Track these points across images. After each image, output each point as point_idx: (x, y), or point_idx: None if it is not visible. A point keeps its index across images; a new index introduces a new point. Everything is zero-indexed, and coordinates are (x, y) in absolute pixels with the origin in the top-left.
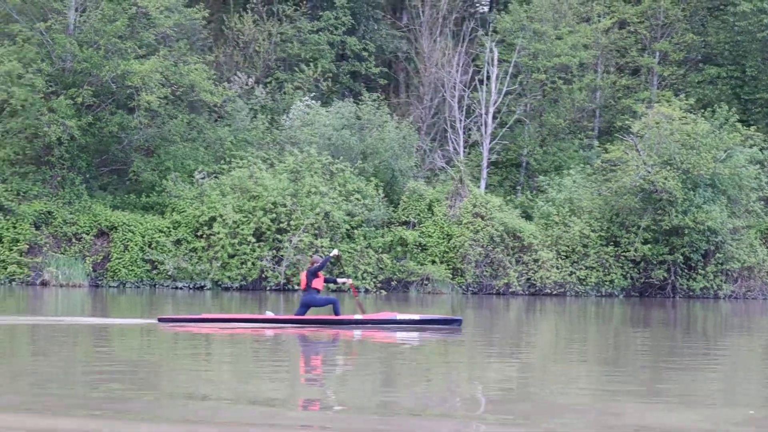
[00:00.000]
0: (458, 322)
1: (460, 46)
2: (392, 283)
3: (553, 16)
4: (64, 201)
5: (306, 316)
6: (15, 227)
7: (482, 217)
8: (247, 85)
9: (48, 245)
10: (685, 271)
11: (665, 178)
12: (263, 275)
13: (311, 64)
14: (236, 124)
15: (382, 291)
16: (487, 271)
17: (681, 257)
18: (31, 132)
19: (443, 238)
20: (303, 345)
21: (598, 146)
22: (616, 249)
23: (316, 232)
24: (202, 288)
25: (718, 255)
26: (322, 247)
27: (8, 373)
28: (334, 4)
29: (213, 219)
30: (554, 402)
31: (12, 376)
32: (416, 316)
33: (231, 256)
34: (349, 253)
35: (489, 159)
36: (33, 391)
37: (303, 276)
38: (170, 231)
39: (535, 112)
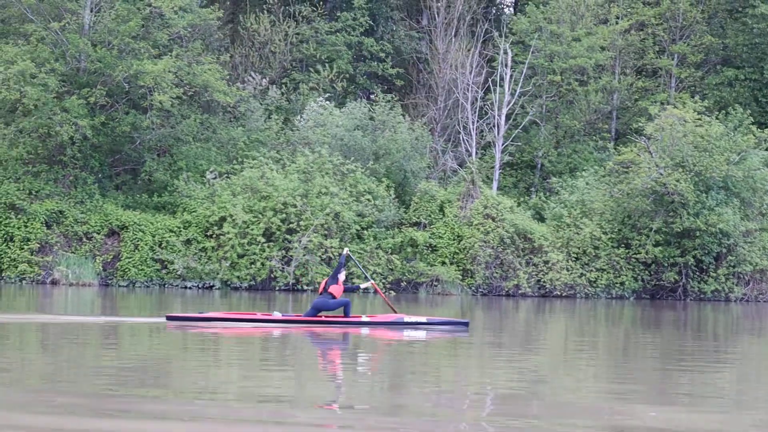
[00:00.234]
0: (465, 324)
1: (473, 47)
2: (402, 284)
3: (570, 18)
4: (76, 200)
5: (313, 317)
6: (26, 226)
7: (493, 219)
8: (260, 85)
9: (59, 244)
10: (697, 273)
11: (677, 180)
12: (272, 275)
13: (326, 65)
14: (250, 125)
15: (392, 292)
16: (496, 273)
17: (692, 260)
18: (43, 131)
19: (453, 240)
20: (311, 343)
21: (614, 148)
22: (627, 251)
23: (326, 232)
24: (211, 288)
25: (730, 258)
26: (331, 247)
27: (17, 371)
28: (353, 5)
29: (223, 219)
30: (563, 403)
31: (21, 374)
32: (423, 319)
33: (240, 256)
34: (359, 253)
35: (502, 160)
36: (41, 390)
37: (323, 283)
38: (180, 231)
39: (550, 114)
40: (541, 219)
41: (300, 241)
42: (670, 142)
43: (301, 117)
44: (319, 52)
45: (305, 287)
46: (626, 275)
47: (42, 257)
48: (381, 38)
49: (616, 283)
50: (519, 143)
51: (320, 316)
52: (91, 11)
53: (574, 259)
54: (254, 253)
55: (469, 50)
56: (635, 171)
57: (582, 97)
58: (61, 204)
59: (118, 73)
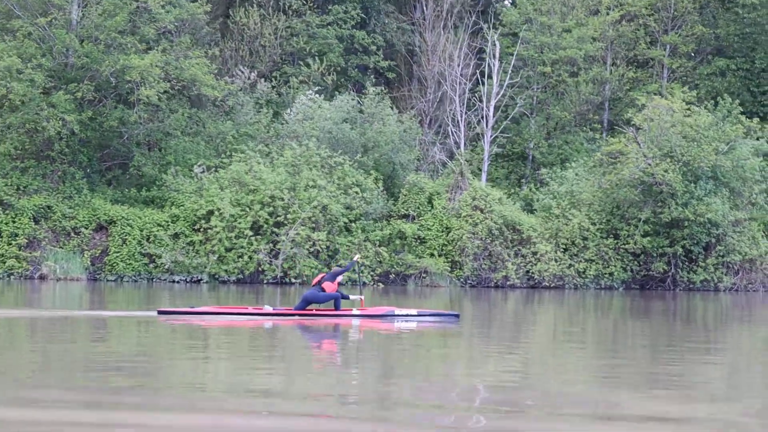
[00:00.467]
0: (456, 316)
1: (461, 39)
2: (390, 276)
3: (561, 9)
4: (64, 195)
5: (304, 311)
6: (14, 221)
7: (481, 210)
8: (249, 79)
9: (47, 239)
10: (686, 263)
11: (665, 171)
12: (260, 268)
13: (316, 58)
14: (239, 119)
15: (380, 284)
16: (485, 264)
17: (681, 250)
18: (30, 127)
19: (442, 231)
20: (301, 336)
21: (606, 139)
22: (615, 241)
23: (314, 225)
24: (198, 281)
25: (719, 247)
26: (318, 240)
27: (6, 365)
28: None
29: (211, 213)
30: (554, 392)
31: (10, 368)
32: (414, 311)
33: (228, 250)
34: (347, 246)
35: (491, 152)
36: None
37: (320, 276)
38: (168, 225)
39: (541, 106)
40: (532, 210)
41: (287, 234)
42: (658, 132)
43: (290, 110)
44: (311, 46)
45: (293, 280)
46: (615, 266)
47: (30, 253)
48: (373, 31)
49: (605, 273)
50: (509, 135)
51: (311, 309)
52: (79, 6)
53: (562, 250)
54: (242, 247)
55: (456, 42)
56: (623, 161)
57: (572, 88)
58: (49, 199)
59: (105, 68)
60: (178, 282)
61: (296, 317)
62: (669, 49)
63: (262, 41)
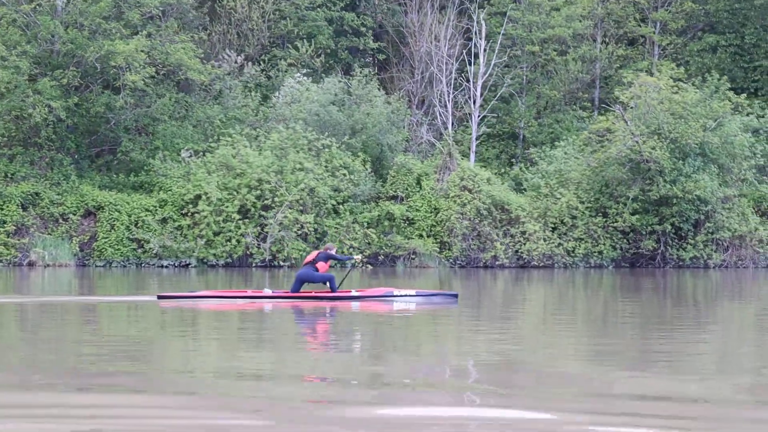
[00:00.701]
0: (455, 296)
1: (447, 18)
2: (379, 257)
3: None
4: (52, 182)
5: (304, 292)
6: (2, 209)
7: (469, 191)
8: (236, 63)
9: (35, 226)
10: (675, 240)
11: (652, 148)
12: (249, 252)
13: (304, 40)
14: (227, 103)
15: (369, 265)
16: (474, 245)
17: (670, 227)
18: (16, 114)
19: (430, 212)
20: (297, 318)
21: (597, 117)
22: (604, 220)
23: (301, 208)
24: (187, 266)
25: (708, 224)
26: (306, 223)
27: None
28: None
29: (198, 197)
30: (545, 371)
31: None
32: (413, 291)
33: (216, 234)
34: (335, 228)
35: (479, 132)
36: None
37: (315, 253)
38: (156, 210)
39: (530, 85)
40: (523, 190)
41: (275, 218)
42: (646, 109)
43: (278, 94)
44: (300, 28)
45: (282, 263)
46: (604, 244)
47: (18, 239)
48: (364, 12)
49: (594, 252)
50: (497, 114)
51: (309, 291)
52: None
53: (551, 229)
54: (230, 231)
55: (442, 21)
56: (611, 139)
57: (561, 67)
58: (36, 186)
59: (90, 54)
60: (166, 267)
61: (296, 300)
62: (659, 26)
63: (250, 25)
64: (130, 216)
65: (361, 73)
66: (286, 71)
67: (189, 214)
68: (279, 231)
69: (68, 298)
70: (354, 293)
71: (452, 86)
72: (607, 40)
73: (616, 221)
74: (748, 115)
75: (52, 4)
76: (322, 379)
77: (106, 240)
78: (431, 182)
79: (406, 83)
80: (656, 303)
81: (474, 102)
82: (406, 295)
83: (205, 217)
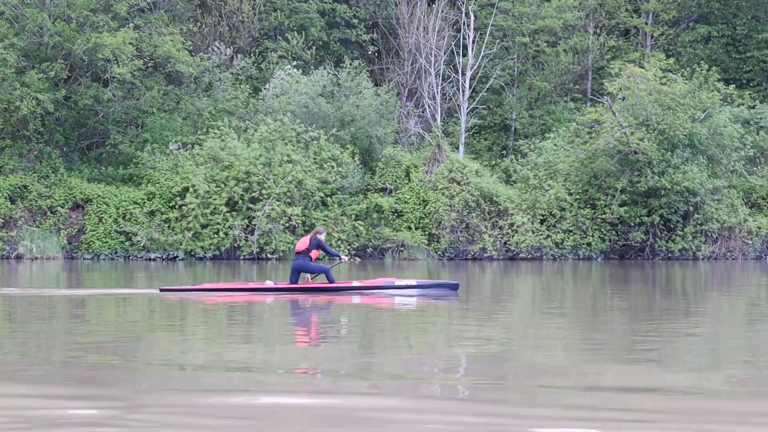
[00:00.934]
0: (455, 286)
1: (436, 10)
2: (368, 250)
3: None
4: (41, 175)
5: (306, 284)
6: None
7: (458, 183)
8: (225, 55)
9: (23, 219)
10: (664, 232)
11: (640, 139)
12: (236, 245)
13: (295, 33)
14: (218, 95)
15: (357, 258)
16: (462, 237)
17: (659, 219)
18: (3, 107)
19: (419, 204)
20: (292, 311)
21: (586, 108)
22: (593, 212)
23: (289, 200)
24: (174, 259)
25: (697, 216)
26: (294, 215)
27: None
28: None
29: (186, 189)
30: (535, 363)
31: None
32: (413, 282)
33: (204, 227)
34: (323, 221)
35: (468, 123)
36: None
37: (306, 239)
38: (145, 202)
39: (521, 76)
40: (513, 182)
41: (263, 210)
42: (633, 101)
43: (269, 86)
44: (292, 20)
45: (269, 256)
46: (593, 236)
47: (6, 232)
48: (357, 3)
49: (583, 244)
50: (486, 106)
51: (311, 283)
52: None
53: (540, 221)
54: (217, 223)
55: (430, 13)
56: (598, 131)
57: (552, 58)
58: (25, 179)
59: (77, 47)
60: (154, 259)
61: (298, 292)
62: (651, 17)
63: (241, 17)
64: (118, 209)
65: (351, 65)
66: (277, 63)
67: (177, 206)
68: (266, 223)
69: (70, 291)
70: (355, 284)
71: (441, 78)
72: (598, 31)
73: (605, 213)
74: (738, 106)
75: None
76: (311, 371)
77: (94, 233)
78: (420, 174)
79: (395, 75)
80: (645, 294)
81: (463, 93)
82: (407, 286)
83: (193, 209)
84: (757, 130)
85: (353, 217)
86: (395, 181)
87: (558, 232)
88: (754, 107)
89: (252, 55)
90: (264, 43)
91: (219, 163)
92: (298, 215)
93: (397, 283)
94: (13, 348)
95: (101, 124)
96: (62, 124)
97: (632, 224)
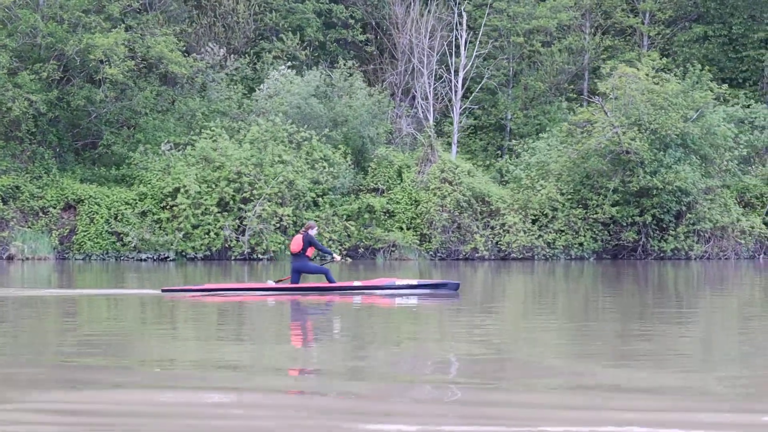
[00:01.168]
0: (456, 286)
1: (428, 10)
2: (359, 250)
3: None
4: (33, 176)
5: (308, 284)
6: None
7: (450, 183)
8: (218, 55)
9: (15, 219)
10: (656, 232)
11: (632, 139)
12: (228, 245)
13: (290, 33)
14: (212, 96)
15: (348, 258)
16: (454, 237)
17: (651, 218)
18: None
19: (411, 205)
20: (292, 312)
21: (578, 108)
22: (585, 212)
23: (280, 201)
24: (165, 259)
25: (689, 215)
26: (285, 215)
27: None
28: None
29: (177, 190)
30: (528, 363)
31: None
32: (414, 281)
33: (195, 227)
34: (315, 221)
35: (460, 123)
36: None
37: (299, 239)
38: (136, 203)
39: (516, 76)
40: (507, 182)
41: (254, 210)
42: (626, 100)
43: (263, 86)
44: (289, 20)
45: (260, 256)
46: (585, 236)
47: None
48: (354, 4)
49: (575, 244)
50: (481, 106)
51: (312, 283)
52: None
53: (531, 221)
54: (208, 224)
55: (422, 14)
56: (589, 131)
57: (547, 58)
58: (17, 179)
59: (69, 48)
60: (145, 260)
61: (299, 291)
62: (648, 16)
63: (236, 17)
64: (109, 209)
65: (345, 65)
66: (271, 64)
67: (168, 207)
68: (257, 224)
69: (72, 291)
70: (356, 283)
71: (434, 78)
72: (594, 31)
73: (597, 213)
74: (733, 105)
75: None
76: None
77: (86, 233)
78: (412, 174)
79: (390, 75)
80: (637, 295)
81: (455, 94)
82: (408, 286)
83: (184, 210)
84: (751, 130)
85: (344, 217)
86: (387, 182)
87: (550, 232)
88: (749, 106)
89: (247, 55)
90: (260, 43)
91: (210, 163)
92: (289, 216)
93: (398, 282)
94: (9, 348)
95: (94, 124)
96: (55, 124)
97: (624, 224)
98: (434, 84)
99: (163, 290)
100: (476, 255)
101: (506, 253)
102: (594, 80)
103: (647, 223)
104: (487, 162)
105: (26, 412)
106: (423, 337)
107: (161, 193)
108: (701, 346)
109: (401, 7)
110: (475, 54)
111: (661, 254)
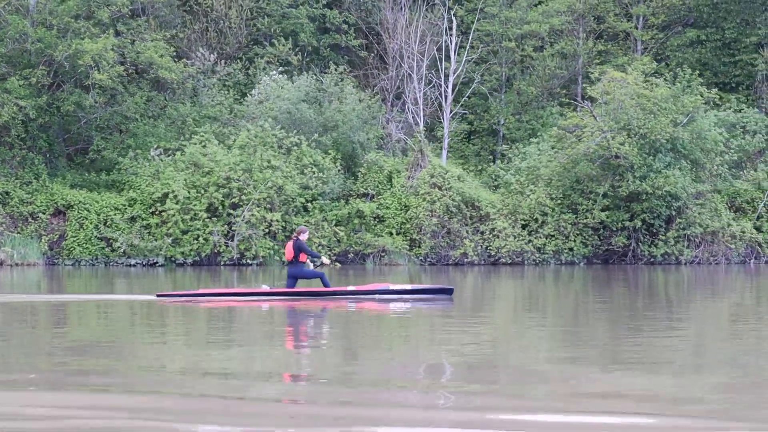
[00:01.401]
0: (450, 291)
1: (418, 15)
2: (349, 255)
3: None
4: (23, 181)
5: (302, 289)
6: None
7: (439, 188)
8: (209, 61)
9: (4, 225)
10: (647, 237)
11: (621, 144)
12: (217, 250)
13: (282, 38)
14: (204, 101)
15: (338, 263)
16: (443, 242)
17: (641, 223)
18: None
19: (401, 210)
20: (287, 318)
21: (569, 113)
22: (575, 216)
23: (269, 206)
24: (154, 264)
25: (679, 220)
26: (274, 221)
27: None
28: None
29: (166, 195)
30: (519, 369)
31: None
32: (408, 286)
33: (184, 232)
34: (304, 226)
35: (453, 129)
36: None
37: (290, 247)
38: (126, 208)
39: (508, 81)
40: (498, 187)
41: (243, 216)
42: (615, 105)
43: (254, 91)
44: (283, 25)
45: (250, 261)
46: (575, 241)
47: None
48: (348, 9)
49: (565, 248)
50: (473, 111)
51: (306, 288)
52: None
53: (521, 226)
54: (198, 229)
55: (411, 18)
56: (578, 135)
57: (539, 63)
58: (6, 185)
59: (59, 53)
60: (134, 265)
61: (294, 296)
62: (641, 21)
63: (228, 23)
64: (99, 215)
65: (336, 70)
66: (264, 69)
67: (157, 212)
68: (246, 229)
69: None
70: (351, 288)
71: (423, 83)
72: (587, 35)
73: (587, 218)
74: (725, 110)
75: (24, 4)
76: (294, 378)
77: (75, 239)
78: (402, 180)
79: (380, 80)
80: (628, 300)
81: (445, 99)
82: (402, 291)
83: (173, 215)
84: (743, 134)
85: (334, 222)
86: (377, 187)
87: (540, 237)
88: (741, 111)
89: (240, 60)
90: (253, 48)
91: (199, 169)
92: (278, 221)
93: (392, 287)
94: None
95: (85, 130)
96: (46, 130)
97: (614, 229)
98: (424, 89)
99: (158, 295)
100: (466, 260)
101: (496, 258)
102: (587, 85)
103: (637, 228)
104: (480, 167)
105: (16, 419)
106: (415, 342)
107: (150, 198)
108: (691, 353)
109: (392, 13)
110: (465, 59)
111: (652, 259)
